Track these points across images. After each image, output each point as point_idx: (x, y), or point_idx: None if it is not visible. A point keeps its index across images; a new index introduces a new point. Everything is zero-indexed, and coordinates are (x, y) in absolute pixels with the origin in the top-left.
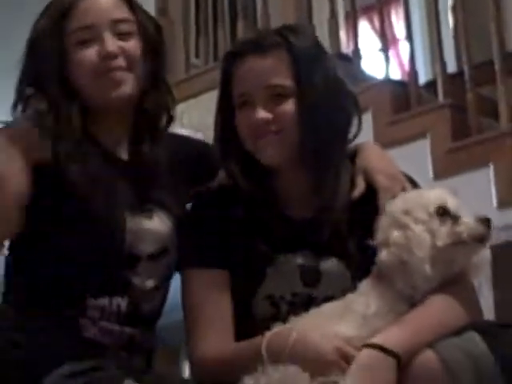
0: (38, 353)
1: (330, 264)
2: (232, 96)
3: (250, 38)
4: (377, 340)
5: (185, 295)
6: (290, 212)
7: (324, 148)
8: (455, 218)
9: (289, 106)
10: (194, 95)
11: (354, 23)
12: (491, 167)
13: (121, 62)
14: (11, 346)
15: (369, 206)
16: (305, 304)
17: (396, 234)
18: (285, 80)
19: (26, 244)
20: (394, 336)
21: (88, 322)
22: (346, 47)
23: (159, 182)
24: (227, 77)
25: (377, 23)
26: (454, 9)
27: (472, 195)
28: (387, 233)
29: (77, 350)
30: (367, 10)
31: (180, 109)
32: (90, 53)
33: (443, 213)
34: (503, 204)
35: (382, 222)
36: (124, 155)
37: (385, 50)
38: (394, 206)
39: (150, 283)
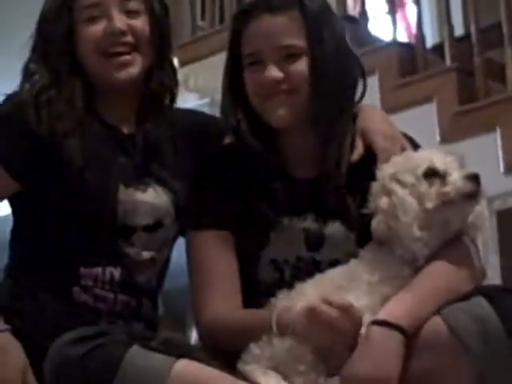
0: (35, 320)
1: (334, 228)
2: (241, 55)
3: None
4: (382, 316)
5: (189, 258)
6: (294, 172)
7: (333, 109)
8: (443, 178)
9: (301, 66)
10: (200, 58)
11: None
12: (498, 131)
13: (129, 38)
14: (12, 315)
15: (369, 168)
16: (309, 268)
17: (383, 201)
18: (297, 40)
19: (23, 214)
20: (398, 309)
21: (81, 289)
22: (352, 9)
23: (161, 158)
24: (237, 36)
25: None
26: None
27: (479, 160)
28: (376, 200)
29: (72, 315)
30: None
31: (185, 72)
32: (97, 29)
33: (432, 174)
34: (510, 169)
35: (373, 189)
36: (129, 131)
37: (392, 12)
38: (383, 172)
39: (146, 254)
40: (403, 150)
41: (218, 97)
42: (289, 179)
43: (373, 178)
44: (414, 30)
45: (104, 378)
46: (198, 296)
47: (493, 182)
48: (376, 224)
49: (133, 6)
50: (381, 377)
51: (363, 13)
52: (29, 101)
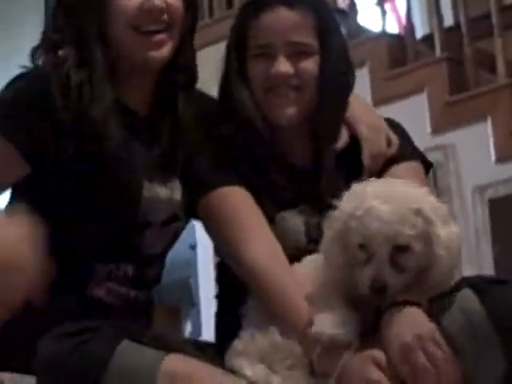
0: (46, 312)
1: None
2: (245, 45)
3: None
4: (400, 298)
5: (216, 216)
6: (292, 160)
7: (337, 109)
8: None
9: (311, 64)
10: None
11: None
12: (489, 121)
13: (165, 17)
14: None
15: (354, 156)
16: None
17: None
18: (310, 39)
19: (33, 205)
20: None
21: (95, 284)
22: (342, 1)
23: (186, 145)
24: (243, 25)
25: None
26: None
27: (470, 149)
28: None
29: (83, 309)
30: None
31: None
32: (133, 3)
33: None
34: (501, 158)
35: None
36: (144, 113)
37: (381, 3)
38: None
39: (156, 249)
40: (388, 140)
41: (207, 90)
42: (287, 166)
43: (359, 167)
44: (403, 21)
45: (94, 372)
46: (237, 244)
47: (484, 171)
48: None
49: None
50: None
51: (352, 4)
52: (56, 85)
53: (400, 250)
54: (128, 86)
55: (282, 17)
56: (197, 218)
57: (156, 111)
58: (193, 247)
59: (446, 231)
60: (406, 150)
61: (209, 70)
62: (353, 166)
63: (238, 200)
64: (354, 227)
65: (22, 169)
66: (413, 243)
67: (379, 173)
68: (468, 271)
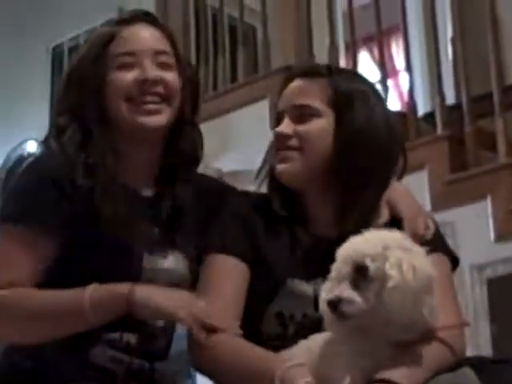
0: (48, 379)
1: None
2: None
3: (303, 66)
4: (385, 375)
5: (203, 279)
6: (316, 230)
7: (356, 179)
8: None
9: (312, 126)
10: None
11: (354, 53)
12: (489, 200)
13: (159, 89)
14: (21, 373)
15: None
16: (313, 326)
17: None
18: (314, 102)
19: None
20: (398, 372)
21: (98, 351)
22: None
23: (184, 224)
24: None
25: (376, 54)
26: (454, 41)
27: (469, 228)
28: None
29: (87, 375)
30: (367, 41)
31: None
32: (129, 76)
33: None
34: (501, 237)
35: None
36: (147, 194)
37: (384, 80)
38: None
39: (160, 322)
40: (426, 224)
41: (211, 163)
42: (311, 237)
43: None
44: (406, 98)
45: None
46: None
47: (483, 250)
48: None
49: (165, 59)
50: None
51: None
52: (67, 164)
53: (360, 271)
54: (128, 167)
55: (295, 86)
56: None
57: (156, 191)
58: None
59: (402, 255)
60: (437, 242)
61: (213, 141)
62: None
63: (227, 272)
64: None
65: (54, 250)
66: (370, 265)
67: None
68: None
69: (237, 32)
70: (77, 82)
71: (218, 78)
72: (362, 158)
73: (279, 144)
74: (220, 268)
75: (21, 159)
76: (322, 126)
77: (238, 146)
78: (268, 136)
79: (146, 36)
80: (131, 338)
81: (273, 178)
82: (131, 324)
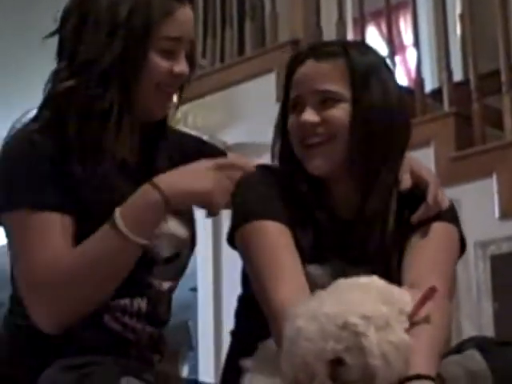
0: (62, 345)
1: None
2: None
3: (312, 45)
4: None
5: (252, 249)
6: (340, 212)
7: (375, 161)
8: None
9: (338, 112)
10: (200, 96)
11: (362, 28)
12: (494, 177)
13: (180, 81)
14: (36, 338)
15: (415, 202)
16: None
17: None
18: (336, 86)
19: None
20: (419, 364)
21: (111, 318)
22: None
23: None
24: (288, 81)
25: (384, 29)
26: (462, 17)
27: (474, 205)
28: None
29: (103, 342)
30: (375, 16)
31: (184, 109)
32: (166, 65)
33: None
34: (505, 215)
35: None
36: (133, 161)
37: (392, 56)
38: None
39: (166, 285)
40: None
41: (217, 135)
42: (334, 218)
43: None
44: (413, 74)
45: None
46: (270, 282)
47: (488, 227)
48: None
49: (193, 50)
50: None
51: None
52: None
53: (337, 364)
54: (123, 137)
55: (310, 69)
56: (233, 246)
57: (142, 159)
58: (193, 290)
59: (378, 339)
60: (452, 215)
61: (220, 113)
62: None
63: (278, 236)
64: (293, 351)
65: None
66: (345, 357)
67: (418, 226)
68: (467, 326)
69: (245, 5)
70: (120, 38)
71: (225, 50)
72: (380, 134)
73: (306, 133)
74: (278, 237)
75: None
76: (346, 110)
77: (245, 119)
78: (274, 109)
79: (190, 22)
80: (141, 303)
81: (298, 167)
82: (139, 288)
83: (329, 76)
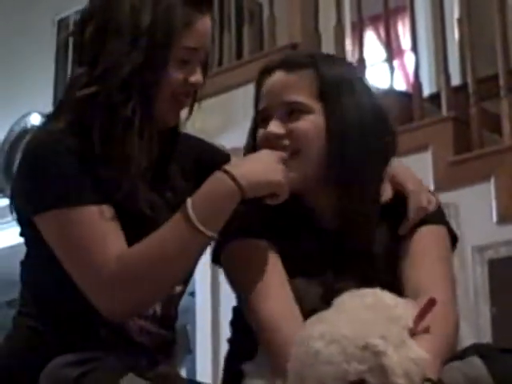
0: (81, 342)
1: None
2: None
3: (282, 57)
4: None
5: (238, 268)
6: (320, 223)
7: (352, 173)
8: None
9: (305, 123)
10: (198, 99)
11: (360, 32)
12: (492, 182)
13: (192, 90)
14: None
15: (397, 211)
16: None
17: None
18: (303, 97)
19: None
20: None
21: (129, 322)
22: (351, 56)
23: (174, 187)
24: (257, 93)
25: (383, 33)
26: (460, 22)
27: (472, 209)
28: None
29: (123, 347)
30: (374, 20)
31: (182, 112)
32: (181, 76)
33: None
34: (503, 219)
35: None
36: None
37: (390, 60)
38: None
39: (178, 289)
40: (428, 198)
41: (215, 139)
42: (316, 230)
43: (401, 219)
44: (411, 78)
45: None
46: (257, 299)
47: (486, 232)
48: None
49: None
50: None
51: (361, 60)
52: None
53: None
54: (145, 144)
55: (277, 81)
56: (218, 263)
57: (161, 164)
58: (191, 294)
59: (398, 357)
60: (439, 216)
61: (218, 117)
62: (393, 222)
63: (264, 255)
64: (307, 374)
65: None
66: (368, 378)
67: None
68: (465, 331)
69: (243, 9)
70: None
71: (223, 54)
72: (354, 147)
73: (270, 146)
74: (264, 256)
75: (24, 132)
76: (314, 122)
77: (243, 123)
78: None
79: (209, 32)
80: (157, 307)
81: None
82: None
83: (296, 87)
